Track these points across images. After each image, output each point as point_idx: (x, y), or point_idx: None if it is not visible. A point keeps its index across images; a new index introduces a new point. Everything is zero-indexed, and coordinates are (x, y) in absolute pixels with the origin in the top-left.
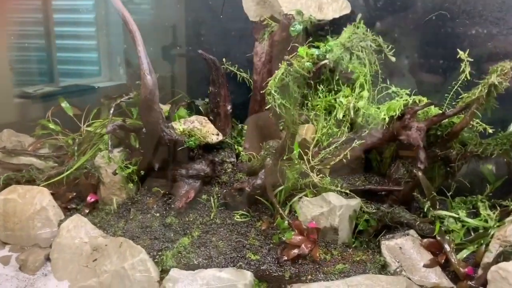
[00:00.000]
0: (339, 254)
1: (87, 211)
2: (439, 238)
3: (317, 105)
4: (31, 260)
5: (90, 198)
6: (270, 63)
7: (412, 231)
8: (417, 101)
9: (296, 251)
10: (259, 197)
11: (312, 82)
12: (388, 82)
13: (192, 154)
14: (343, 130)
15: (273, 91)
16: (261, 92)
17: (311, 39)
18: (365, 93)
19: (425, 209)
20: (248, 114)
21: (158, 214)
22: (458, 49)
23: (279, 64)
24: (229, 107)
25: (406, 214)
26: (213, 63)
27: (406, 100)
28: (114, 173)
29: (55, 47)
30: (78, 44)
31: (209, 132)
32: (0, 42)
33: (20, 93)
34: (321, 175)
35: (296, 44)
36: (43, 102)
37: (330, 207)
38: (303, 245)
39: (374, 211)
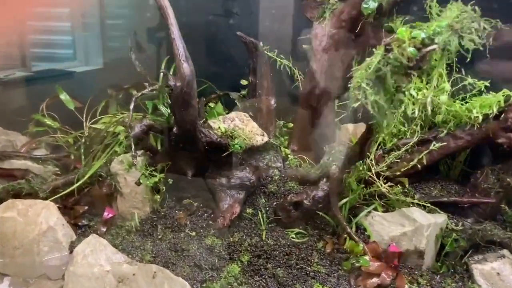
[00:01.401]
0: (428, 284)
1: (104, 229)
2: None
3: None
4: None
5: (107, 214)
6: (333, 48)
7: (505, 252)
8: None
9: (375, 280)
10: (320, 213)
11: (413, 74)
12: (463, 72)
13: (235, 160)
14: (414, 129)
15: (364, 84)
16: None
17: (385, 19)
18: (447, 86)
19: None
20: (294, 110)
21: (194, 233)
22: None
23: (347, 50)
24: (273, 101)
25: (499, 232)
26: (254, 47)
27: (507, 94)
28: (138, 183)
29: (26, 28)
30: (51, 26)
31: (253, 132)
32: None
33: None
34: (389, 183)
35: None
36: (15, 89)
37: (415, 226)
38: (383, 273)
39: (461, 228)
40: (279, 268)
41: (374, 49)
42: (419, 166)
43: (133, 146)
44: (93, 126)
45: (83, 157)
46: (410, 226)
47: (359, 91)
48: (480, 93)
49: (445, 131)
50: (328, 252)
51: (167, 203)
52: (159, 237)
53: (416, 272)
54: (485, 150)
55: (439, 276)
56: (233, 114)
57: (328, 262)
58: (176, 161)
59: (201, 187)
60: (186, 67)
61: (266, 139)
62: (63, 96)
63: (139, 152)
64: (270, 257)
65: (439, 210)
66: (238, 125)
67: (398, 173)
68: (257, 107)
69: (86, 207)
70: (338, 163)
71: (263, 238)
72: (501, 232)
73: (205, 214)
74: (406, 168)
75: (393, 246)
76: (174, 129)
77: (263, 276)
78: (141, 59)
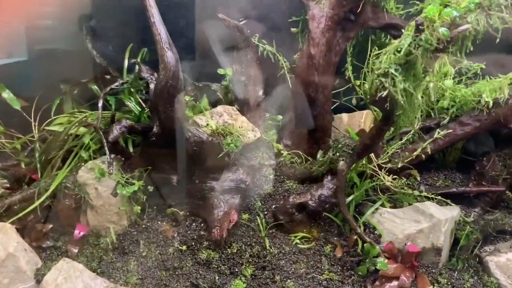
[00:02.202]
0: (448, 283)
1: (75, 250)
2: None
3: None
4: None
5: (78, 232)
6: (331, 31)
7: None
8: None
9: (394, 284)
10: (328, 214)
11: (444, 56)
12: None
13: (227, 160)
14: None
15: (392, 70)
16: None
17: None
18: (451, 69)
19: None
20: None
21: (184, 247)
22: None
23: (345, 32)
24: (260, 92)
25: (510, 220)
26: (239, 31)
27: None
28: (115, 194)
29: None
30: None
31: (244, 128)
32: None
33: None
34: (393, 176)
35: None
36: None
37: (432, 222)
38: (402, 276)
39: (473, 220)
40: (288, 280)
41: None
42: (423, 156)
43: (107, 151)
44: (48, 128)
45: (38, 165)
46: (427, 222)
47: (387, 78)
48: (475, 76)
49: (447, 118)
50: (339, 257)
51: (147, 213)
52: (143, 254)
53: (433, 270)
54: (481, 136)
55: (456, 272)
56: (220, 108)
57: (339, 268)
58: (157, 165)
59: (187, 194)
60: (171, 56)
61: (258, 135)
62: (6, 94)
63: (112, 157)
64: (276, 268)
65: (450, 202)
66: (227, 121)
67: (400, 164)
68: (243, 99)
69: (50, 226)
70: (346, 158)
71: (267, 247)
72: None
73: (194, 224)
74: (409, 159)
75: (412, 246)
76: (155, 129)
77: None
78: (98, 48)
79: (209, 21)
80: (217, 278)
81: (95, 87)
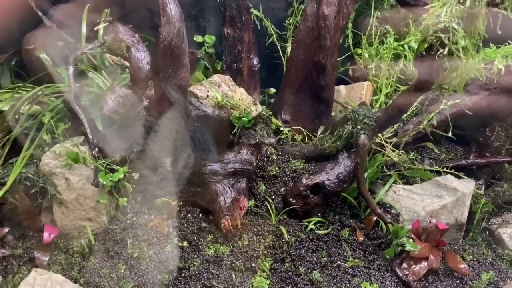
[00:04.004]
0: (474, 259)
1: (45, 257)
2: None
3: (377, 54)
4: None
5: (48, 234)
6: None
7: None
8: None
9: (424, 265)
10: (345, 195)
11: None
12: None
13: (231, 138)
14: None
15: (454, 25)
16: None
17: None
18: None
19: None
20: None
21: (186, 243)
22: None
23: None
24: (255, 61)
25: None
26: None
27: None
28: (96, 184)
29: None
30: None
31: (245, 101)
32: None
33: None
34: (400, 151)
35: None
36: None
37: (456, 196)
38: (431, 256)
39: (483, 192)
40: (314, 272)
41: None
42: (429, 128)
43: (88, 130)
44: None
45: None
46: (450, 196)
47: (447, 34)
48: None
49: (450, 88)
50: (361, 241)
51: (132, 206)
52: (134, 255)
53: (456, 247)
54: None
55: (476, 247)
56: (216, 77)
57: (362, 253)
58: (146, 146)
59: (181, 179)
60: (174, 8)
61: (259, 108)
62: None
63: (81, 139)
64: (296, 259)
65: (463, 176)
66: (226, 92)
67: (406, 138)
68: (236, 68)
69: (6, 230)
70: (367, 131)
71: (284, 236)
72: None
73: (190, 215)
74: (414, 133)
75: (440, 223)
76: (145, 102)
77: (298, 286)
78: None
79: None
80: (234, 276)
81: (43, 55)
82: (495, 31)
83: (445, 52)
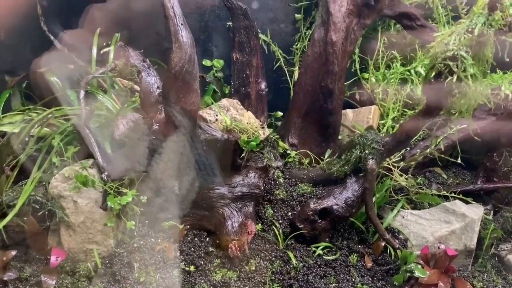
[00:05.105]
0: (484, 286)
1: (52, 281)
2: None
3: (384, 79)
4: None
5: (55, 257)
6: (352, 16)
7: None
8: None
9: None
10: (353, 220)
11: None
12: None
13: (239, 162)
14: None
15: (463, 53)
16: (340, 58)
17: None
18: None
19: None
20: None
21: (193, 268)
22: None
23: (361, 19)
24: (263, 85)
25: None
26: (243, 15)
27: None
28: (105, 207)
29: None
30: None
31: (252, 124)
32: None
33: None
34: (407, 176)
35: None
36: None
37: (465, 222)
38: (440, 283)
39: (492, 218)
40: None
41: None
42: (436, 153)
43: (98, 153)
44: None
45: None
46: (459, 222)
47: (455, 62)
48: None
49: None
50: (369, 267)
51: (139, 230)
52: (141, 279)
53: (465, 274)
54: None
55: (486, 274)
56: (225, 101)
57: (370, 279)
58: (155, 169)
59: (189, 203)
60: (186, 35)
61: (267, 132)
62: None
63: (90, 162)
64: (304, 285)
65: (471, 201)
66: (235, 116)
67: (413, 162)
68: (244, 92)
69: (14, 252)
70: (375, 156)
71: (291, 261)
72: None
73: (197, 239)
74: (422, 156)
75: (449, 249)
76: (155, 126)
77: None
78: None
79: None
80: None
81: (54, 78)
82: (503, 57)
83: (454, 80)
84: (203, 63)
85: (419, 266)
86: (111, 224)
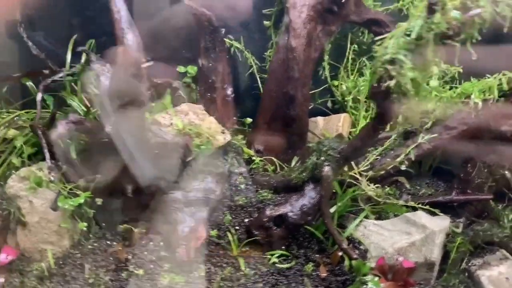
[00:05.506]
0: None
1: (1, 279)
2: None
3: (355, 87)
4: None
5: (5, 256)
6: (313, 22)
7: (504, 252)
8: None
9: None
10: (309, 227)
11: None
12: None
13: (194, 167)
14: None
15: (401, 57)
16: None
17: None
18: (435, 69)
19: (507, 221)
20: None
21: (141, 271)
22: None
23: (325, 26)
24: (229, 91)
25: (498, 231)
26: (208, 21)
27: (507, 76)
28: (55, 208)
29: None
30: None
31: (213, 129)
32: None
33: None
34: (375, 185)
35: None
36: None
37: (426, 234)
38: None
39: (461, 230)
40: None
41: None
42: (406, 163)
43: (47, 154)
44: None
45: None
46: (419, 234)
47: (394, 65)
48: (451, 80)
49: (430, 122)
50: (323, 277)
51: (94, 232)
52: (90, 281)
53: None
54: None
55: None
56: (185, 106)
57: None
58: (108, 172)
59: (145, 207)
60: (131, 38)
61: (228, 137)
62: None
63: (50, 163)
64: None
65: (438, 212)
66: (193, 121)
67: (382, 172)
68: (210, 97)
69: None
70: (332, 163)
71: (241, 268)
72: (499, 231)
73: (152, 243)
74: (392, 166)
75: (406, 261)
76: (107, 128)
77: None
78: (35, 39)
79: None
80: None
81: (30, 83)
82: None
83: (391, 84)
84: (178, 69)
85: (374, 278)
86: (66, 225)
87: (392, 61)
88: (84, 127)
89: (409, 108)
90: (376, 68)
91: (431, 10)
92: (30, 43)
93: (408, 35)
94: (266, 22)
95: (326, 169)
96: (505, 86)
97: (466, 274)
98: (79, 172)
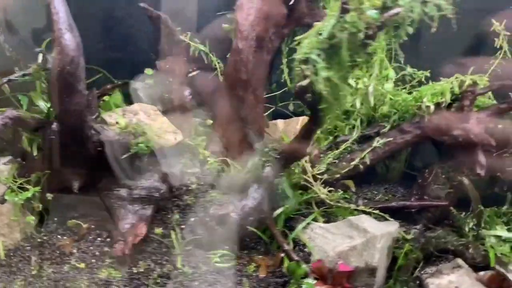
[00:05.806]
0: None
1: None
2: (498, 268)
3: None
4: None
5: None
6: (262, 24)
7: (459, 261)
8: (476, 82)
9: None
10: (252, 228)
11: (371, 44)
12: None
13: (138, 164)
14: (354, 125)
15: (314, 56)
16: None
17: None
18: (391, 73)
19: (467, 228)
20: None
21: (83, 265)
22: None
23: (278, 28)
24: (186, 92)
25: (453, 239)
26: (163, 23)
27: (459, 80)
28: (2, 200)
29: None
30: None
31: (163, 129)
32: None
33: None
34: (328, 188)
35: None
36: None
37: (366, 238)
38: None
39: (413, 237)
40: None
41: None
42: (361, 166)
43: None
44: None
45: None
46: (360, 238)
47: (308, 65)
48: (419, 84)
49: (388, 126)
50: (262, 277)
51: (46, 226)
52: (33, 273)
53: None
54: (426, 148)
55: None
56: (136, 106)
57: None
58: (57, 168)
59: (94, 203)
60: (69, 38)
61: (179, 137)
62: None
63: (5, 159)
64: None
65: (388, 217)
66: (143, 120)
67: (337, 175)
68: (167, 99)
69: None
70: (273, 164)
71: (178, 266)
72: (455, 239)
73: (98, 239)
74: (347, 170)
75: (342, 265)
76: (54, 125)
77: None
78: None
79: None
80: None
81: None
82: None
83: (304, 83)
84: (146, 72)
85: (309, 281)
86: (16, 218)
87: (305, 61)
88: (26, 123)
89: (329, 108)
90: (295, 68)
91: (344, 10)
92: (7, 46)
93: (321, 34)
94: (224, 26)
95: (267, 170)
96: (457, 90)
97: (418, 282)
98: (34, 169)
